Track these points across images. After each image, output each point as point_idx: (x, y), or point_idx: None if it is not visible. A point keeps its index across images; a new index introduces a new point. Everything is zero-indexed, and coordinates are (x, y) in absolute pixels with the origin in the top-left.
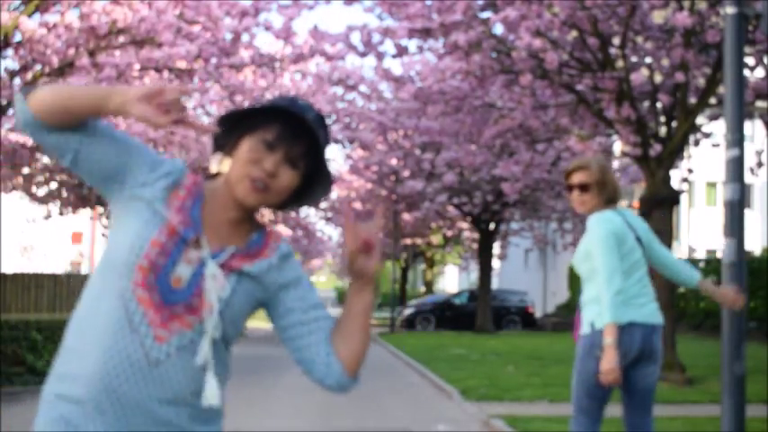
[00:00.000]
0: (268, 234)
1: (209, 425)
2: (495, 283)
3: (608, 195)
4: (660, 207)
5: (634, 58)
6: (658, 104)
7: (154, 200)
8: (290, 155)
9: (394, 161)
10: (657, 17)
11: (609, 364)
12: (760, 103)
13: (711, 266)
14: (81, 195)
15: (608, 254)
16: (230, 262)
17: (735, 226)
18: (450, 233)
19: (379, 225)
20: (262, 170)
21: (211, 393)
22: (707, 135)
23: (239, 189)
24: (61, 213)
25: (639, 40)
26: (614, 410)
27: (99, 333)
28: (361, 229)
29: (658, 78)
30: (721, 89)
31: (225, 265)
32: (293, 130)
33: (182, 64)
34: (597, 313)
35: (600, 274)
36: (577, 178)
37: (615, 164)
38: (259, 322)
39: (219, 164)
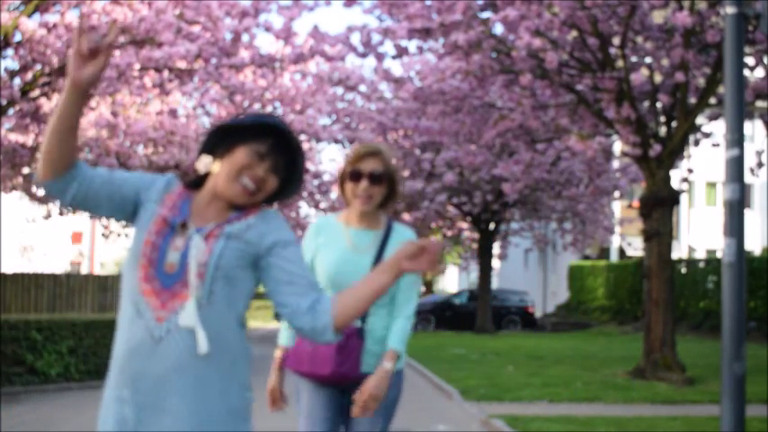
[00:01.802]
0: (247, 210)
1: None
2: (495, 283)
3: (394, 195)
4: (660, 207)
5: (634, 58)
6: (658, 104)
7: (151, 202)
8: (276, 165)
9: (394, 161)
10: (657, 17)
11: None
12: (760, 103)
13: (711, 266)
14: None
15: None
16: (213, 231)
17: (735, 226)
18: (449, 233)
19: (441, 246)
20: (254, 177)
21: (201, 344)
22: (707, 135)
23: (231, 190)
24: (61, 213)
25: (639, 40)
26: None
27: (121, 329)
28: (428, 240)
29: (658, 78)
30: (721, 89)
31: (209, 235)
32: (279, 144)
33: (182, 64)
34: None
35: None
36: (369, 165)
37: (615, 164)
38: (259, 322)
39: (209, 165)
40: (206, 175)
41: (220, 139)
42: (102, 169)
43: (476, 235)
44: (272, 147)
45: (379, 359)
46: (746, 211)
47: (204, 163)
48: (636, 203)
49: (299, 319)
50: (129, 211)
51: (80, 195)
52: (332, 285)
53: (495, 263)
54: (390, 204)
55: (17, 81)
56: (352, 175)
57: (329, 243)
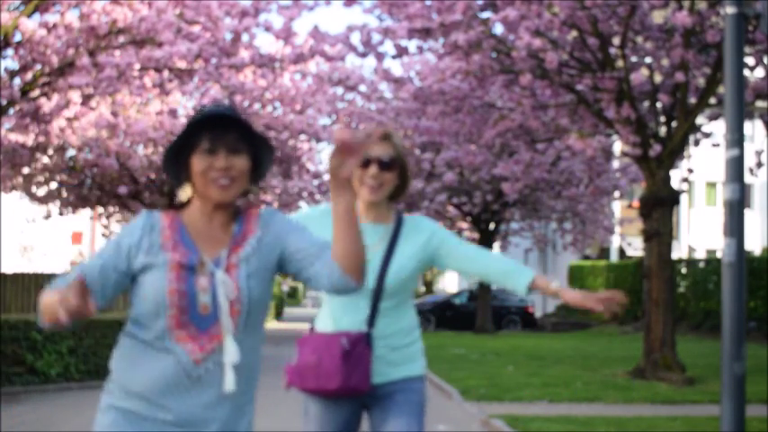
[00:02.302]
0: (246, 217)
1: (246, 415)
2: None
3: (405, 184)
4: (660, 207)
5: (634, 58)
6: (658, 104)
7: (154, 253)
8: (229, 147)
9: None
10: (657, 17)
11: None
12: (760, 103)
13: (711, 266)
14: (81, 195)
15: None
16: (229, 261)
17: (735, 226)
18: None
19: (368, 136)
20: (220, 172)
21: (228, 381)
22: (707, 135)
23: (213, 194)
24: (61, 213)
25: (639, 40)
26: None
27: (141, 365)
28: (348, 135)
29: (658, 78)
30: (721, 89)
31: (229, 267)
32: (220, 129)
33: (182, 64)
34: (423, 347)
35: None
36: (378, 150)
37: (615, 164)
38: None
39: (185, 191)
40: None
41: (178, 163)
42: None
43: (476, 235)
44: (214, 135)
45: (393, 366)
46: (746, 211)
47: (182, 192)
48: (636, 203)
49: (323, 282)
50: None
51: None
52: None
53: None
54: (401, 194)
55: (17, 81)
56: (360, 161)
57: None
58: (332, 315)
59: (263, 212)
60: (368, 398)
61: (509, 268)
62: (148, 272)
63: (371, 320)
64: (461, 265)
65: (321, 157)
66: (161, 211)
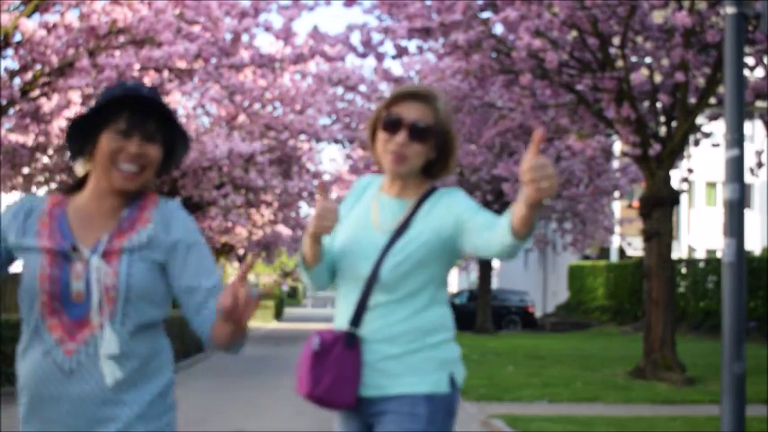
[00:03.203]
0: (142, 203)
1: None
2: (494, 283)
3: (447, 162)
4: (660, 207)
5: (634, 58)
6: (658, 104)
7: (25, 237)
8: (146, 133)
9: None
10: (657, 17)
11: None
12: (760, 103)
13: (711, 266)
14: None
15: None
16: (111, 247)
17: (735, 226)
18: None
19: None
20: (130, 157)
21: (109, 373)
22: (707, 135)
23: (115, 181)
24: None
25: (639, 39)
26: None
27: (25, 360)
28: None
29: (658, 78)
30: (721, 89)
31: (108, 253)
32: (139, 111)
33: (181, 64)
34: (456, 358)
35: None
36: (413, 112)
37: (615, 164)
38: (259, 322)
39: (84, 166)
40: (86, 177)
41: (84, 135)
42: None
43: None
44: (133, 117)
45: (389, 377)
46: (746, 211)
47: (79, 166)
48: (636, 203)
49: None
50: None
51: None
52: (340, 273)
53: (495, 263)
54: (441, 171)
55: (17, 81)
56: (387, 122)
57: (354, 212)
58: (338, 307)
59: (164, 206)
60: (369, 415)
61: (496, 225)
62: (24, 256)
63: (356, 318)
64: (480, 243)
65: (321, 157)
66: (47, 195)
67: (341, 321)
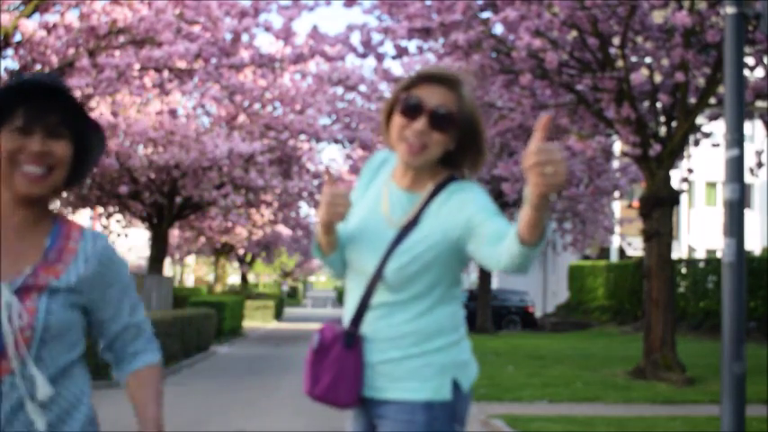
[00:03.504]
0: (64, 230)
1: None
2: (494, 283)
3: (477, 155)
4: (660, 207)
5: (634, 58)
6: (658, 104)
7: None
8: (48, 128)
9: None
10: (657, 17)
11: None
12: (760, 103)
13: (711, 266)
14: (81, 195)
15: None
16: (34, 282)
17: (735, 226)
18: None
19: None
20: (32, 157)
21: (38, 422)
22: (707, 135)
23: (18, 184)
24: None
25: (639, 39)
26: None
27: None
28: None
29: (658, 78)
30: (721, 89)
31: (28, 288)
32: (39, 104)
33: (181, 64)
34: (463, 361)
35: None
36: (436, 97)
37: (615, 164)
38: (258, 322)
39: None
40: None
41: None
42: None
43: None
44: (31, 110)
45: (390, 380)
46: (746, 211)
47: None
48: (636, 203)
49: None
50: None
51: None
52: (347, 257)
53: None
54: (469, 167)
55: None
56: (406, 106)
57: (366, 199)
58: (347, 301)
59: (91, 239)
60: (372, 415)
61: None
62: None
63: (357, 317)
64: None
65: (321, 157)
66: None
67: (346, 317)
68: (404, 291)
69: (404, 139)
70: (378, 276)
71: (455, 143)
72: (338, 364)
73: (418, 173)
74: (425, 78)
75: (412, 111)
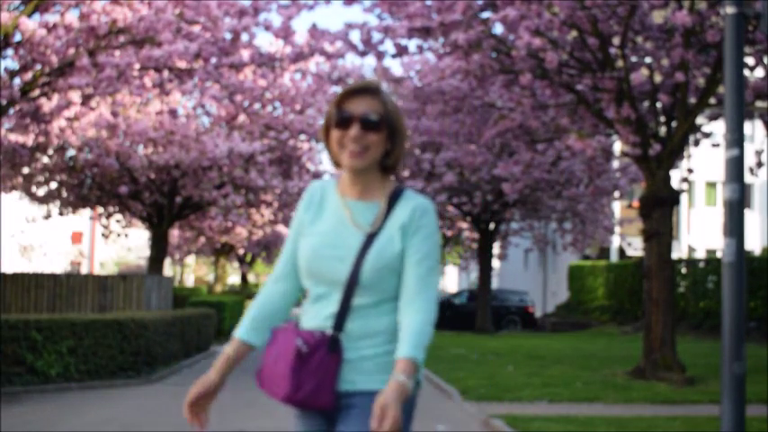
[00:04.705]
0: None
1: None
2: (495, 283)
3: (399, 149)
4: (660, 207)
5: (634, 58)
6: (658, 104)
7: None
8: None
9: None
10: (657, 17)
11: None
12: (760, 103)
13: (711, 266)
14: (81, 195)
15: None
16: None
17: (735, 226)
18: (449, 233)
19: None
20: None
21: None
22: (707, 135)
23: None
24: (61, 213)
25: (639, 39)
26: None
27: None
28: None
29: (658, 78)
30: (721, 89)
31: None
32: None
33: (181, 64)
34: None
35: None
36: (361, 106)
37: (615, 164)
38: None
39: None
40: None
41: None
42: None
43: (476, 235)
44: None
45: (361, 373)
46: (746, 211)
47: None
48: (636, 203)
49: None
50: None
51: None
52: (311, 277)
53: (495, 263)
54: (392, 162)
55: (17, 81)
56: (339, 119)
57: (321, 218)
58: (308, 309)
59: None
60: (338, 407)
61: (402, 334)
62: None
63: (340, 320)
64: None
65: (321, 157)
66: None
67: (313, 323)
68: (375, 293)
69: (344, 147)
70: (355, 279)
71: (390, 143)
72: (323, 369)
73: (366, 181)
74: (349, 93)
75: (344, 122)
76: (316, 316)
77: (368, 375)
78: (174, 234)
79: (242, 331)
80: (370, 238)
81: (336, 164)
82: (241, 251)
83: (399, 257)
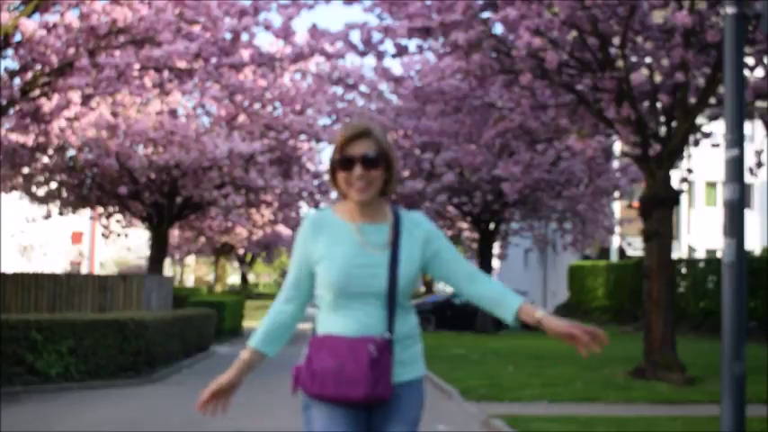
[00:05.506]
0: None
1: None
2: None
3: (393, 178)
4: (660, 207)
5: (634, 58)
6: (658, 104)
7: None
8: None
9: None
10: (657, 17)
11: None
12: (760, 103)
13: (711, 266)
14: (81, 195)
15: None
16: None
17: (735, 226)
18: (450, 233)
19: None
20: None
21: None
22: (707, 135)
23: None
24: (61, 213)
25: (639, 40)
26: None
27: None
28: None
29: (658, 78)
30: (721, 89)
31: None
32: None
33: (181, 64)
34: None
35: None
36: (360, 148)
37: (615, 164)
38: (256, 322)
39: None
40: None
41: None
42: None
43: (476, 235)
44: None
45: (403, 366)
46: (746, 211)
47: None
48: (636, 203)
49: None
50: None
51: None
52: (341, 293)
53: (495, 263)
54: (390, 189)
55: (17, 81)
56: (342, 162)
57: (336, 243)
58: (337, 319)
59: None
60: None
61: (499, 297)
62: None
63: (391, 325)
64: (453, 282)
65: (321, 157)
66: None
67: (352, 328)
68: (405, 299)
69: (352, 184)
70: (394, 289)
71: (386, 174)
72: (388, 367)
73: (372, 208)
74: (348, 139)
75: (348, 164)
76: (354, 323)
77: (406, 367)
78: (174, 234)
79: (257, 342)
80: (394, 254)
81: (344, 196)
82: (241, 251)
83: (420, 268)
